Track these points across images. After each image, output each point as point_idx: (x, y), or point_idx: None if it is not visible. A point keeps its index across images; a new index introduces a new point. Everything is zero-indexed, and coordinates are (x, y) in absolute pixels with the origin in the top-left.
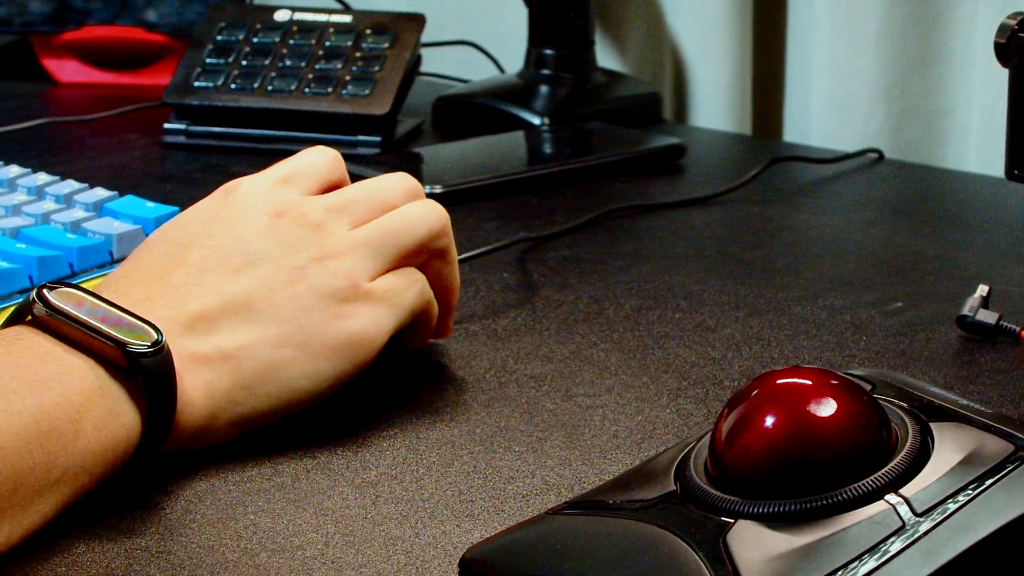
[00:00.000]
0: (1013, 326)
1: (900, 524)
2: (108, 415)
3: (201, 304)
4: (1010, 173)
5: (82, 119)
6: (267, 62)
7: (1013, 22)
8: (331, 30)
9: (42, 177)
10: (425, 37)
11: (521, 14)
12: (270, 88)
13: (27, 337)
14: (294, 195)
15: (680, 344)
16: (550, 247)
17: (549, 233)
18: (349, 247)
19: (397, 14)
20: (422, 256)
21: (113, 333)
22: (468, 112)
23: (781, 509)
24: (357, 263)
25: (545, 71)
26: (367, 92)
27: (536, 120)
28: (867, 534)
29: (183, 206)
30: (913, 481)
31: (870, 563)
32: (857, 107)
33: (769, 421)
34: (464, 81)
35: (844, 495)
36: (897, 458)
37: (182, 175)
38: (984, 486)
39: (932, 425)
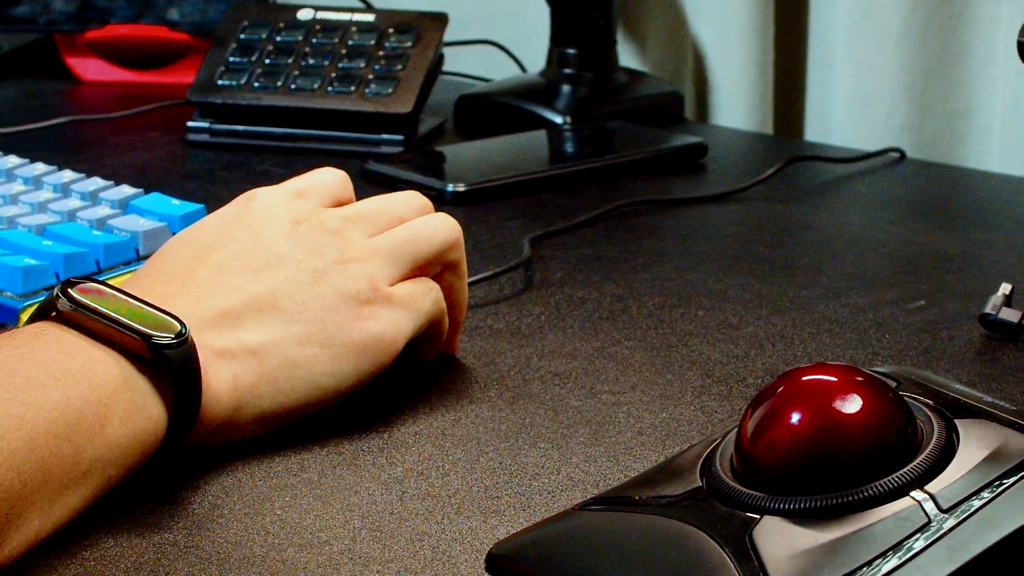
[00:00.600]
0: None
1: (926, 520)
2: (134, 407)
3: (225, 301)
4: None
5: (105, 117)
6: (290, 61)
7: None
8: (354, 29)
9: (67, 175)
10: (447, 36)
11: (543, 14)
12: (293, 87)
13: (52, 332)
14: (309, 205)
15: (703, 342)
16: (572, 245)
17: (558, 228)
18: (368, 252)
19: (420, 13)
20: (436, 267)
21: (137, 326)
22: (490, 111)
23: (807, 505)
24: (377, 268)
25: (567, 70)
26: (390, 91)
27: (558, 119)
28: (893, 530)
29: (207, 203)
30: (938, 478)
31: (895, 559)
32: (878, 106)
33: (795, 418)
34: (486, 80)
35: (870, 491)
36: (922, 455)
37: (205, 173)
38: (1009, 483)
39: (957, 422)
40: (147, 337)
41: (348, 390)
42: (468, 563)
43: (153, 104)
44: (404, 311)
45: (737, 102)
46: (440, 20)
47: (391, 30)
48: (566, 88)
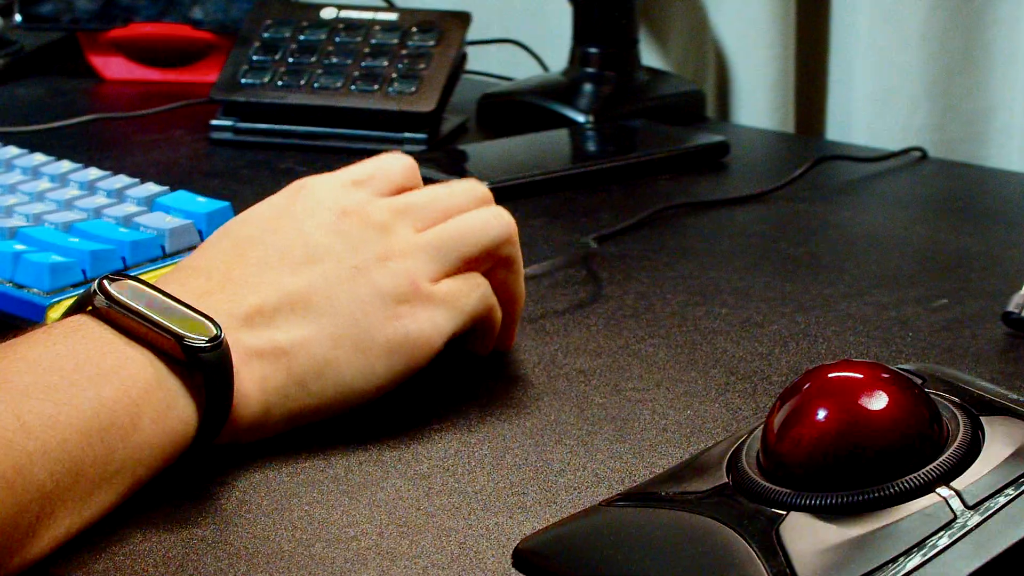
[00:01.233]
0: None
1: (951, 517)
2: (165, 408)
3: (260, 298)
4: None
5: (129, 116)
6: (313, 59)
7: None
8: (377, 28)
9: (93, 172)
10: (470, 35)
11: (565, 13)
12: (316, 85)
13: (88, 328)
14: (362, 195)
15: (727, 340)
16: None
17: (609, 232)
18: (412, 249)
19: (443, 12)
20: (487, 263)
21: (171, 326)
22: (513, 110)
23: (834, 501)
24: (419, 265)
25: (589, 69)
26: (413, 89)
27: (580, 118)
28: (919, 526)
29: (232, 201)
30: (964, 474)
31: (919, 556)
32: (900, 105)
33: (821, 414)
34: (508, 79)
35: (896, 488)
36: (948, 451)
37: (229, 171)
38: None
39: (983, 419)
40: (180, 338)
41: (381, 390)
42: (495, 558)
43: (176, 103)
44: (444, 309)
45: (759, 101)
46: (463, 19)
47: (414, 29)
48: (588, 87)
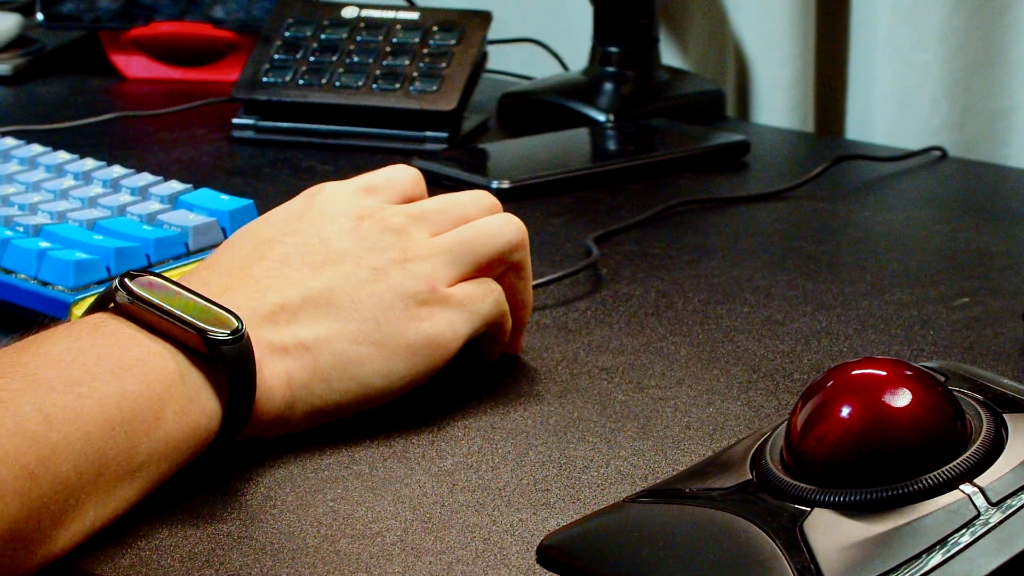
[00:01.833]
0: None
1: (975, 513)
2: (189, 402)
3: (282, 296)
4: None
5: (152, 114)
6: (335, 58)
7: None
8: (398, 27)
9: (116, 170)
10: (490, 35)
11: (586, 12)
12: (338, 84)
13: (110, 324)
14: (375, 202)
15: (749, 338)
16: (617, 241)
17: (618, 228)
18: (429, 252)
19: (463, 11)
20: (499, 268)
21: (193, 320)
22: (533, 109)
23: (857, 498)
24: (437, 268)
25: (610, 68)
26: (434, 88)
27: (601, 117)
28: (942, 523)
29: (255, 199)
30: (988, 471)
31: (942, 553)
32: (920, 104)
33: (845, 411)
34: (529, 78)
35: (919, 484)
36: (971, 448)
37: (251, 169)
38: None
39: (1006, 416)
40: (202, 332)
41: (400, 390)
42: (519, 554)
43: (197, 101)
44: (461, 312)
45: (779, 100)
46: (484, 18)
47: (435, 28)
48: (608, 86)
